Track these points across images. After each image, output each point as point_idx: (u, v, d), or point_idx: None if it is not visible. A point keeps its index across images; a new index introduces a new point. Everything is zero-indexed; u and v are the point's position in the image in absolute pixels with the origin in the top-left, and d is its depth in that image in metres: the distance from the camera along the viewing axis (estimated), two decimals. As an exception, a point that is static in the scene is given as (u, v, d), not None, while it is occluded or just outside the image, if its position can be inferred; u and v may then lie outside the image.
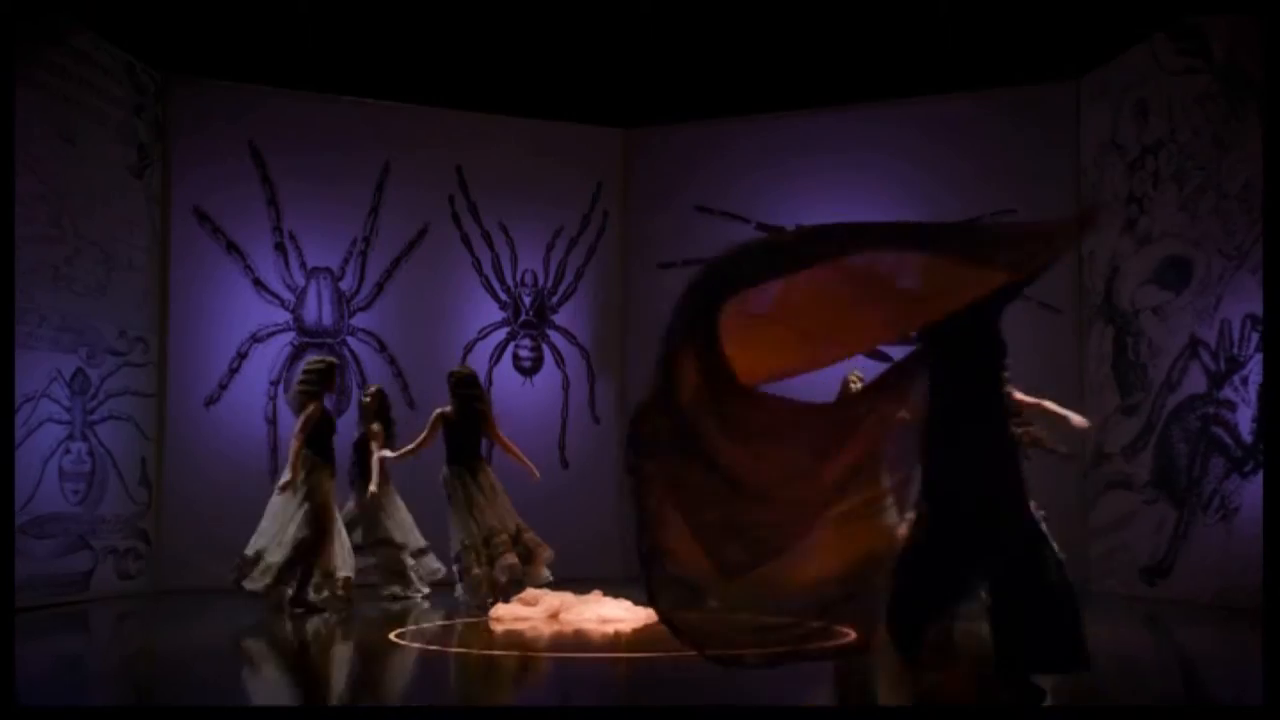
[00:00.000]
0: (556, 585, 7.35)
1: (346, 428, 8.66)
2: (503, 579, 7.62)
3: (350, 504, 8.25)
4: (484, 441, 8.20)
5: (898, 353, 5.95)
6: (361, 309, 9.66)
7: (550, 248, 10.24)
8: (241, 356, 9.17)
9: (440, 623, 6.87)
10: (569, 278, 10.31)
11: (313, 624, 7.12)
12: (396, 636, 6.22)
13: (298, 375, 7.85)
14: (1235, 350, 7.39)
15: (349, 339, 9.61)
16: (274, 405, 9.21)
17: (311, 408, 7.51)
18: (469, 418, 7.98)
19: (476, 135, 9.99)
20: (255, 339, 9.29)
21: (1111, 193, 8.69)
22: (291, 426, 8.72)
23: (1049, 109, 9.23)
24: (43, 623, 7.13)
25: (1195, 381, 7.73)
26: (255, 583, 7.27)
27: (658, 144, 10.40)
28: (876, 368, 9.48)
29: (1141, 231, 8.35)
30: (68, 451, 7.96)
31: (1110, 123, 8.70)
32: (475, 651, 6.08)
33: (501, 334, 10.11)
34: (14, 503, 7.19)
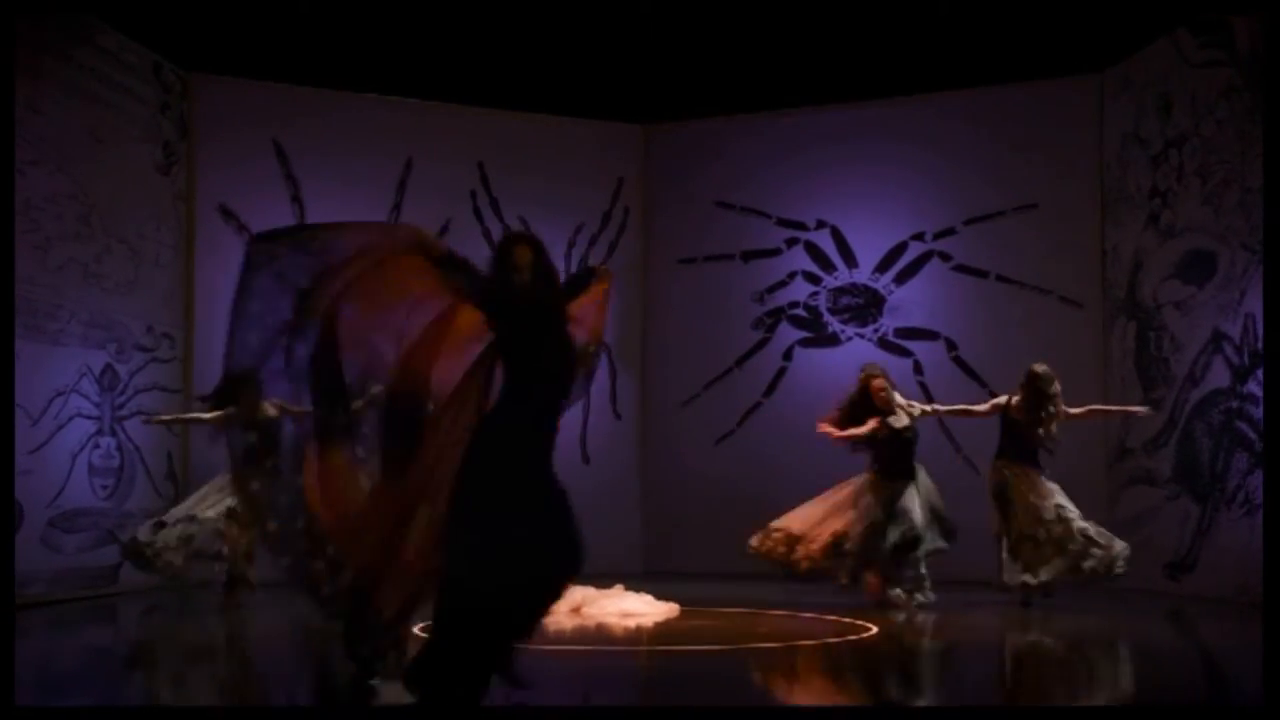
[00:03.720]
0: (578, 580, 7.37)
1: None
2: None
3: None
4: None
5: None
6: (385, 305, 9.72)
7: (571, 244, 10.27)
8: (266, 352, 9.24)
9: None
10: (590, 274, 10.33)
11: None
12: (420, 630, 6.26)
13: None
14: (1259, 345, 7.35)
15: (372, 335, 9.67)
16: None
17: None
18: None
19: (498, 132, 10.02)
20: (280, 335, 9.36)
21: (1135, 186, 8.66)
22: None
23: (1071, 103, 9.20)
24: (72, 616, 7.23)
25: (1218, 376, 7.69)
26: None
27: (678, 140, 10.40)
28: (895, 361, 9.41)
29: (1164, 226, 8.31)
30: (97, 446, 8.05)
31: (1133, 117, 8.66)
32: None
33: (523, 330, 10.13)
34: (14, 502, 7.18)
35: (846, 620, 6.59)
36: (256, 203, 9.34)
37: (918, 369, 9.56)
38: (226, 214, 9.25)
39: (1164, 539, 8.10)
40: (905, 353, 9.67)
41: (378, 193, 9.69)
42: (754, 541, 7.98)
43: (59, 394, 7.70)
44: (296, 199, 9.49)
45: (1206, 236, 7.89)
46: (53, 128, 7.65)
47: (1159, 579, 8.08)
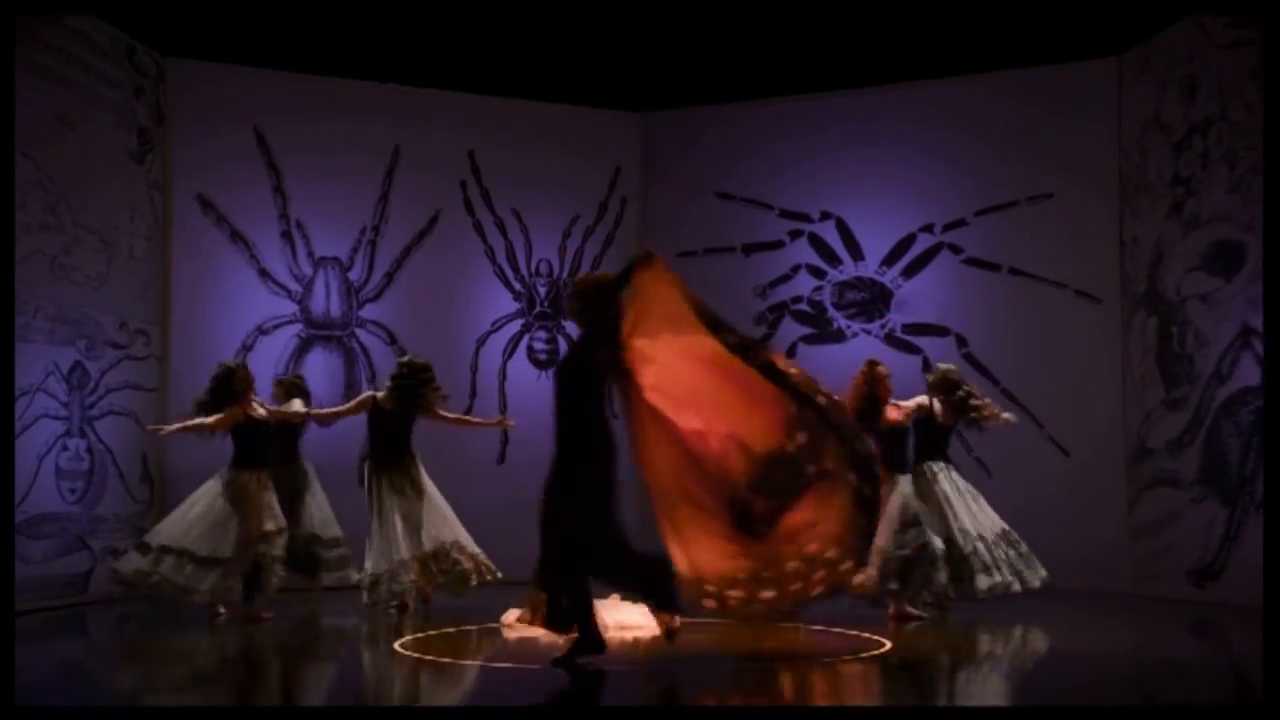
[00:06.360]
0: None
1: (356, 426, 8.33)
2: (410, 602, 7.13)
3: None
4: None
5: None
6: (371, 300, 9.35)
7: (566, 236, 9.90)
8: (247, 349, 8.86)
9: (446, 630, 6.53)
10: (585, 267, 9.96)
11: (314, 633, 6.82)
12: (400, 647, 5.90)
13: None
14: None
15: (358, 331, 9.29)
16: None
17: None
18: (404, 411, 7.40)
19: (489, 119, 9.65)
20: (261, 331, 8.99)
21: (1155, 174, 8.28)
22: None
23: (1088, 87, 8.80)
24: (39, 626, 6.85)
25: (1248, 373, 7.31)
26: None
27: (677, 128, 10.02)
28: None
29: (1188, 215, 7.92)
30: (65, 448, 7.66)
31: (1153, 101, 8.27)
32: (487, 664, 5.75)
33: (516, 326, 9.77)
34: (14, 503, 6.91)
35: (853, 633, 6.21)
36: (236, 193, 8.97)
37: (927, 366, 9.17)
38: (205, 204, 8.87)
39: (1188, 544, 7.73)
40: (913, 349, 9.28)
41: (364, 182, 9.31)
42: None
43: (24, 393, 7.31)
44: (279, 189, 9.11)
45: (1234, 226, 7.51)
46: (20, 112, 7.22)
47: (1182, 586, 7.71)
